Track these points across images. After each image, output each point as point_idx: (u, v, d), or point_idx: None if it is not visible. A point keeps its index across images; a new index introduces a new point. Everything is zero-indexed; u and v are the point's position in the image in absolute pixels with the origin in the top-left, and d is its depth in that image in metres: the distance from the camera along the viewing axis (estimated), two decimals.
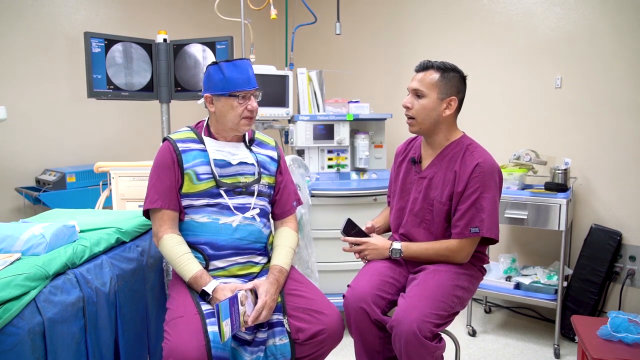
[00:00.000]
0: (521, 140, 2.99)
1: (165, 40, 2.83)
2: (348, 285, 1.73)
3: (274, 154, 1.80)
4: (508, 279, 2.70)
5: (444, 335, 1.80)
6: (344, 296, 1.71)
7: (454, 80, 1.67)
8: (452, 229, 1.68)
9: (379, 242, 1.77)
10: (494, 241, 1.70)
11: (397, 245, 1.73)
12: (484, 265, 1.81)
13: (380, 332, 1.65)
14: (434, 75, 1.66)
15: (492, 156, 1.68)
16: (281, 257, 1.67)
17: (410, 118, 1.72)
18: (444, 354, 1.60)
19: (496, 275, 2.75)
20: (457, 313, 1.66)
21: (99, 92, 2.69)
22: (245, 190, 1.68)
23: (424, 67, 1.69)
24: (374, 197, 2.65)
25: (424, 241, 1.74)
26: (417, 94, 1.68)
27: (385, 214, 1.97)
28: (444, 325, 1.59)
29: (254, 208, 1.68)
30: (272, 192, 1.78)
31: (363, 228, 1.83)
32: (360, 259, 1.82)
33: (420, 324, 1.48)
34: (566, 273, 2.61)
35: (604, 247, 2.64)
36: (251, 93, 1.64)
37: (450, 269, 1.66)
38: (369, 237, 1.80)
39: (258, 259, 1.69)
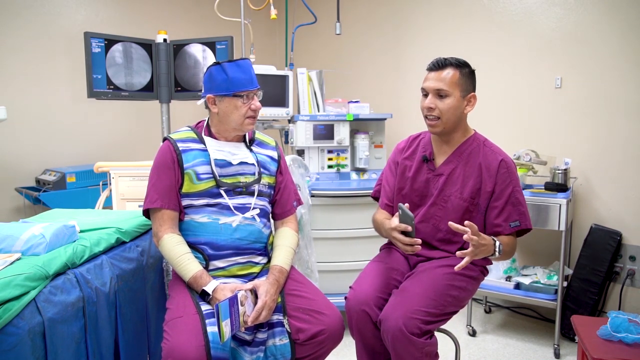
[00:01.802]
0: (521, 140, 2.99)
1: (165, 40, 2.83)
2: (350, 287, 1.72)
3: (274, 154, 1.80)
4: (508, 279, 2.70)
5: (443, 335, 1.80)
6: (345, 298, 1.70)
7: (470, 76, 1.67)
8: (493, 227, 1.66)
9: (486, 237, 1.52)
10: (525, 233, 1.72)
11: (498, 242, 1.55)
12: (487, 267, 1.79)
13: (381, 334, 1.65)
14: (455, 73, 1.62)
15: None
16: (281, 257, 1.67)
17: (435, 118, 1.66)
18: (442, 353, 1.60)
19: (496, 275, 2.75)
20: (453, 313, 1.64)
21: (99, 92, 2.69)
22: (245, 190, 1.68)
23: (441, 65, 1.64)
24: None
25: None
26: (440, 94, 1.63)
27: (384, 214, 1.85)
28: (437, 324, 1.57)
29: (254, 208, 1.68)
30: (272, 192, 1.78)
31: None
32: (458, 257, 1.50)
33: (406, 321, 1.48)
34: (566, 273, 2.61)
35: (604, 247, 2.64)
36: (254, 92, 1.65)
37: (447, 269, 1.65)
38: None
39: (258, 259, 1.69)
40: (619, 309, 2.65)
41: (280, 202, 1.79)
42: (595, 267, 2.63)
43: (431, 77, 1.65)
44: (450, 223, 1.47)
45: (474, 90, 1.68)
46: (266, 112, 2.78)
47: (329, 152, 2.89)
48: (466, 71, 1.65)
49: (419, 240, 1.54)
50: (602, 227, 2.69)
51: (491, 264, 1.79)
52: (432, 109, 1.64)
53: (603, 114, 2.73)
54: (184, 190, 1.62)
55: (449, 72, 1.62)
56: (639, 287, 2.67)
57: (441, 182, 1.71)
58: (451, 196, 1.69)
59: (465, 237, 1.45)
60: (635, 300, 2.67)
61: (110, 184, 2.34)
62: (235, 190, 1.66)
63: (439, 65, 1.64)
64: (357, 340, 1.70)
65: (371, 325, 1.63)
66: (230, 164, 1.67)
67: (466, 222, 1.44)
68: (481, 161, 1.67)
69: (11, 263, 1.33)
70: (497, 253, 1.55)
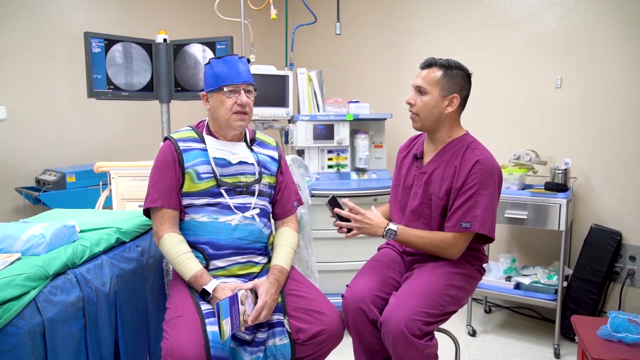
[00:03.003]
0: (521, 140, 2.99)
1: (165, 40, 2.83)
2: (347, 286, 1.72)
3: (275, 154, 1.80)
4: (508, 279, 2.70)
5: (443, 335, 1.80)
6: (342, 296, 1.70)
7: (457, 78, 1.67)
8: (446, 222, 1.66)
9: (376, 218, 1.67)
10: (490, 239, 1.67)
11: (393, 226, 1.66)
12: (484, 265, 1.81)
13: (378, 333, 1.64)
14: (437, 73, 1.66)
15: (493, 156, 1.68)
16: (281, 257, 1.67)
17: (413, 114, 1.73)
18: (442, 353, 1.60)
19: (496, 275, 2.75)
20: (452, 312, 1.65)
21: (99, 92, 2.69)
22: (245, 190, 1.68)
23: (428, 64, 1.70)
24: (374, 197, 2.65)
25: None
26: (420, 90, 1.69)
27: (386, 207, 1.97)
28: (436, 324, 1.58)
29: (254, 208, 1.68)
30: (273, 192, 1.78)
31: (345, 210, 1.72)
32: (345, 234, 1.70)
33: (408, 322, 1.48)
34: (566, 273, 2.61)
35: (604, 247, 2.64)
36: (241, 87, 1.64)
37: (445, 268, 1.66)
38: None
39: (258, 258, 1.69)
40: (619, 309, 2.65)
41: (280, 202, 1.79)
42: (595, 267, 2.63)
43: (419, 75, 1.72)
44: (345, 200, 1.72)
45: (460, 92, 1.68)
46: (266, 112, 2.78)
47: (329, 152, 2.89)
48: (453, 72, 1.66)
49: (339, 223, 1.69)
50: (602, 227, 2.69)
51: (486, 262, 1.81)
52: (411, 104, 1.72)
53: (603, 114, 2.73)
54: (184, 189, 1.62)
55: (433, 71, 1.67)
56: (639, 287, 2.67)
57: (423, 181, 1.73)
58: (432, 195, 1.71)
59: (343, 212, 1.68)
60: (635, 300, 2.67)
61: (110, 184, 2.34)
62: (235, 190, 1.66)
63: (426, 64, 1.71)
64: (355, 339, 1.70)
65: (368, 323, 1.63)
66: (230, 164, 1.67)
67: (345, 201, 1.69)
68: (459, 162, 1.66)
69: (11, 263, 1.33)
70: (385, 235, 1.65)
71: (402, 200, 1.82)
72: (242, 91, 1.64)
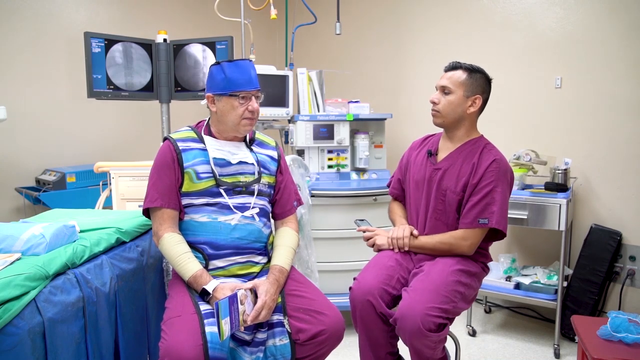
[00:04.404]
0: (521, 140, 2.99)
1: (165, 40, 2.83)
2: (354, 278, 1.76)
3: (274, 154, 1.80)
4: (508, 279, 2.70)
5: None
6: (350, 289, 1.74)
7: (480, 81, 1.77)
8: (462, 218, 1.73)
9: (387, 232, 1.87)
10: (502, 236, 1.76)
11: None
12: (488, 264, 1.85)
13: (384, 326, 1.68)
14: (462, 75, 1.76)
15: (506, 159, 1.77)
16: (281, 257, 1.67)
17: (436, 111, 1.80)
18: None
19: (496, 275, 2.75)
20: (460, 310, 1.68)
21: (99, 92, 2.69)
22: (245, 189, 1.68)
23: (453, 67, 1.80)
24: (374, 197, 2.65)
25: (431, 232, 1.80)
26: (445, 90, 1.78)
27: (400, 209, 2.02)
28: (450, 321, 1.62)
29: (253, 207, 1.68)
30: (273, 192, 1.78)
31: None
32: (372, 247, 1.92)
33: (423, 318, 1.52)
34: (566, 273, 2.61)
35: (604, 247, 2.64)
36: (252, 94, 1.64)
37: (453, 266, 1.69)
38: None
39: (258, 258, 1.69)
40: (619, 309, 2.65)
41: (280, 202, 1.80)
42: (595, 267, 2.63)
43: (444, 77, 1.80)
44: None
45: (482, 94, 1.78)
46: (266, 112, 2.78)
47: (329, 152, 2.89)
48: (477, 75, 1.77)
49: (366, 235, 1.92)
50: (602, 227, 2.69)
51: (491, 260, 1.86)
52: (435, 103, 1.80)
53: (603, 114, 2.73)
54: (183, 189, 1.62)
55: (457, 73, 1.77)
56: (639, 287, 2.67)
57: (438, 177, 1.80)
58: (447, 190, 1.77)
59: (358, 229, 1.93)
60: (635, 300, 2.67)
61: (110, 184, 2.34)
62: (235, 190, 1.66)
63: (452, 66, 1.80)
64: (361, 332, 1.73)
65: (375, 315, 1.66)
66: (229, 164, 1.67)
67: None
68: (476, 161, 1.75)
69: (11, 263, 1.33)
70: None
71: (414, 196, 1.88)
72: (254, 98, 1.65)
